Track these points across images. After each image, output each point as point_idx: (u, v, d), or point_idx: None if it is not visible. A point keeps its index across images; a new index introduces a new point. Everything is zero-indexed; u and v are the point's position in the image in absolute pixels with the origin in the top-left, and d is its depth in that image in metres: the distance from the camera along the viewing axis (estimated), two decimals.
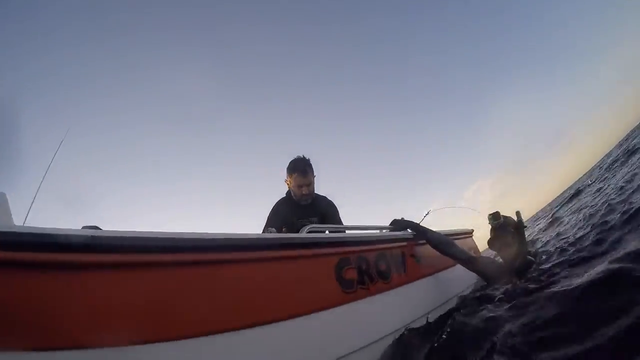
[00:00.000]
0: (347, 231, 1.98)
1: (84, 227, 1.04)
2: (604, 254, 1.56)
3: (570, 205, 5.41)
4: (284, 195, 2.49)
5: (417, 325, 1.77)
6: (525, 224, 2.03)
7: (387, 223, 2.18)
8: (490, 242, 2.04)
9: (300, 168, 2.29)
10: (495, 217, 2.04)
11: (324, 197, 2.54)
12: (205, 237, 1.06)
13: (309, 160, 2.35)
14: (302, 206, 2.37)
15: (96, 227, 1.05)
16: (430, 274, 2.10)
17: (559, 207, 6.56)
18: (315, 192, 2.41)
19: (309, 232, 1.60)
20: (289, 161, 2.36)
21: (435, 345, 1.37)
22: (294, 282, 1.27)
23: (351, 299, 1.43)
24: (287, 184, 2.41)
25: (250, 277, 1.14)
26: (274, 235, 1.42)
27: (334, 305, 1.35)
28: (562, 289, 1.38)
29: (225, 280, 1.07)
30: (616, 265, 1.23)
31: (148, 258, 0.93)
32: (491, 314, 1.62)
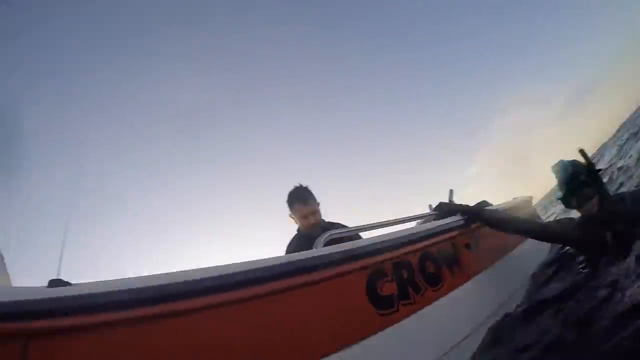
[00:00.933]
0: (376, 231, 1.65)
1: (50, 281, 0.85)
2: None
3: None
4: (296, 233, 2.26)
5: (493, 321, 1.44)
6: (595, 165, 1.63)
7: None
8: (564, 200, 1.65)
9: (300, 197, 2.10)
10: (564, 168, 1.63)
11: (334, 223, 2.28)
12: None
13: (307, 187, 2.15)
14: (315, 238, 2.13)
15: (63, 282, 0.85)
16: (493, 262, 1.71)
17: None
18: (325, 219, 2.20)
19: (326, 244, 1.30)
20: (287, 195, 2.18)
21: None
22: (310, 315, 0.99)
23: (393, 320, 1.14)
24: (293, 220, 2.20)
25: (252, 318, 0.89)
26: (283, 258, 1.12)
27: (368, 334, 1.05)
28: None
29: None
30: None
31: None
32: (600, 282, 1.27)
